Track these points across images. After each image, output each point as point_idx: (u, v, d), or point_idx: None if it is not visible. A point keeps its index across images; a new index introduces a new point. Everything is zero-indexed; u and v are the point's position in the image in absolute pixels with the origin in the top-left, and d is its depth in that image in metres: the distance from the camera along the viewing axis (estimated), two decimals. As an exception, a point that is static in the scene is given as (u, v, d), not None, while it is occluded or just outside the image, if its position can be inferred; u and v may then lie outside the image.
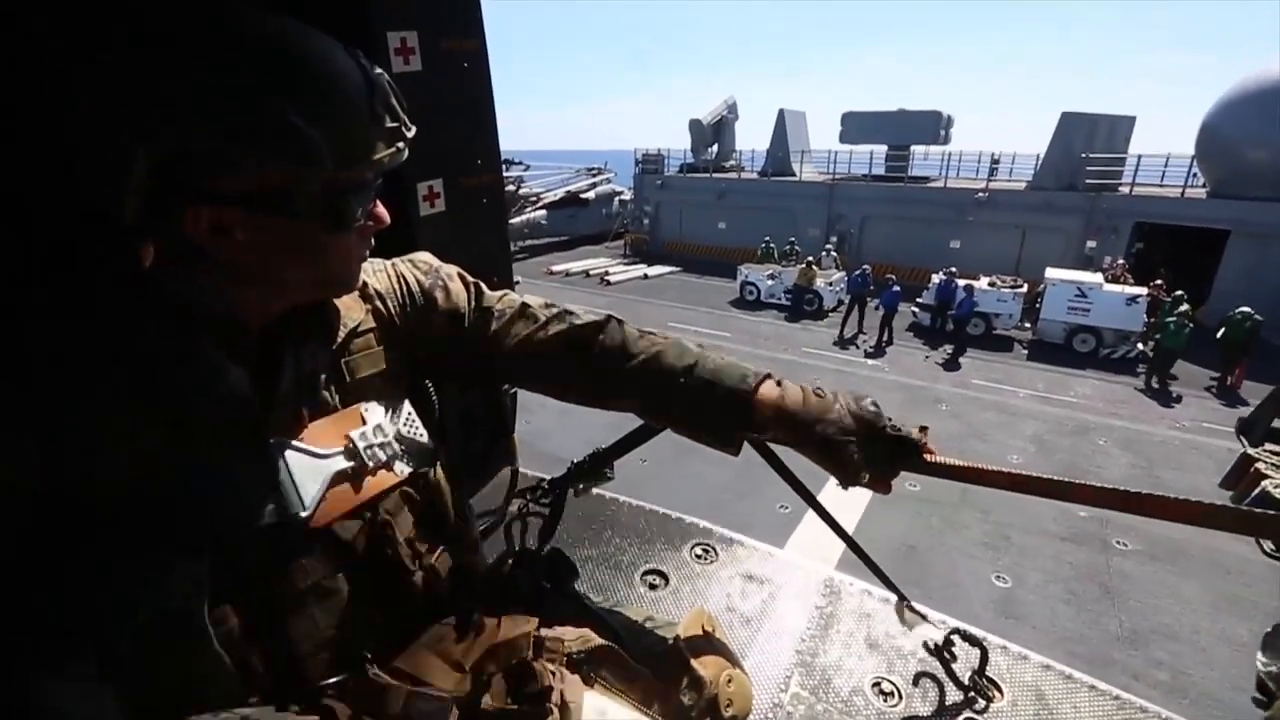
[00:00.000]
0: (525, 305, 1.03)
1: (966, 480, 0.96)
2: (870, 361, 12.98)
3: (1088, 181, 16.64)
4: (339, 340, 0.85)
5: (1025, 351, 13.75)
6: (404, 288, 0.97)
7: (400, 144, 0.73)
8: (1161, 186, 17.61)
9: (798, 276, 16.14)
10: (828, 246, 18.35)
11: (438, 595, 0.92)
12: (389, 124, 0.71)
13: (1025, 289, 14.41)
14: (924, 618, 1.54)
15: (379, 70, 0.72)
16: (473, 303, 1.01)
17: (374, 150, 0.70)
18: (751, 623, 1.76)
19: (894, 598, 1.63)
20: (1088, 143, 16.83)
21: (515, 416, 1.99)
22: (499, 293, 1.05)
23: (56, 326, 0.66)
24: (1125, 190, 16.90)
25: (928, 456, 0.95)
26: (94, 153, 0.62)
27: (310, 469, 0.78)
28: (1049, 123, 17.92)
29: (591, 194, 26.90)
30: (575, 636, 0.88)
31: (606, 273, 20.56)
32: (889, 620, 1.74)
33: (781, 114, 23.48)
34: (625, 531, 2.12)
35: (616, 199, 27.75)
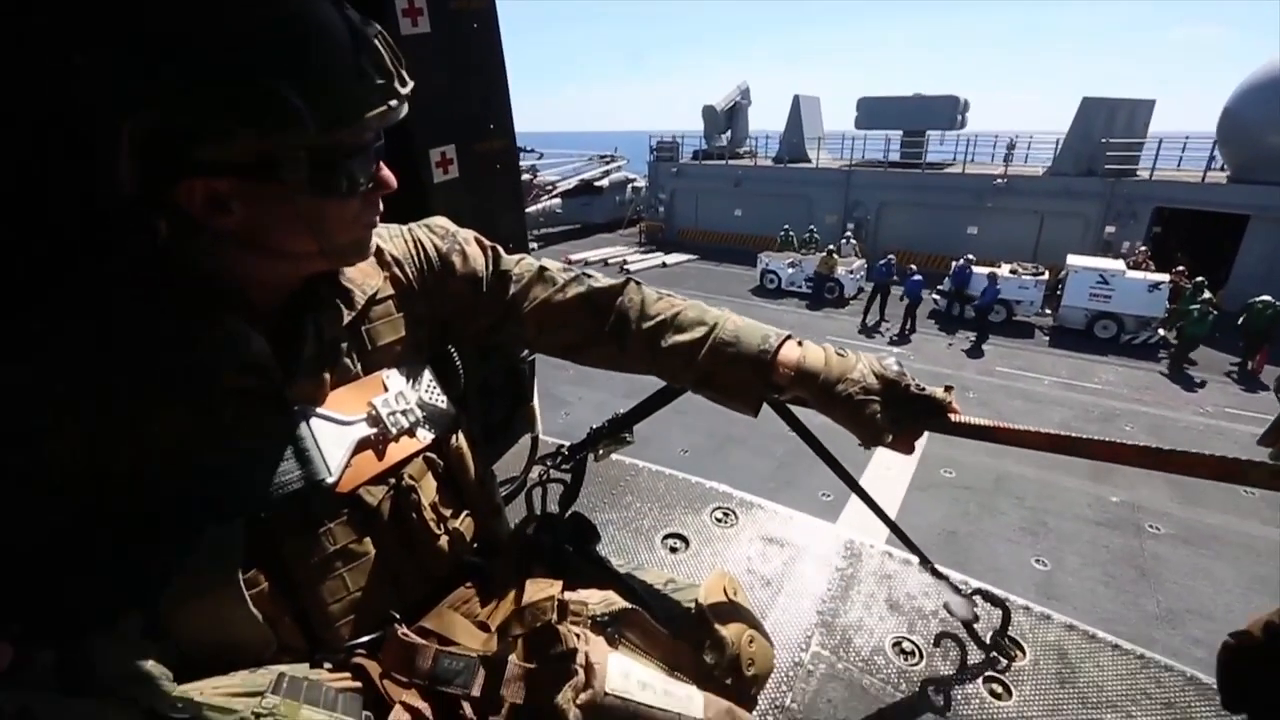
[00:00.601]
0: (543, 269, 1.02)
1: (992, 440, 0.95)
2: (895, 350, 13.18)
3: (1107, 167, 16.67)
4: (359, 307, 0.85)
5: (1046, 338, 13.92)
6: (421, 253, 0.96)
7: (393, 102, 0.70)
8: (1179, 171, 17.63)
9: (819, 265, 16.30)
10: (847, 234, 18.47)
11: (462, 558, 0.94)
12: (378, 81, 0.68)
13: (1046, 276, 14.55)
14: (946, 579, 1.54)
15: (374, 25, 0.69)
16: (490, 266, 1.00)
17: (361, 110, 0.67)
18: (772, 584, 1.77)
19: (915, 559, 1.62)
20: (1107, 128, 16.82)
21: (533, 383, 1.96)
22: (516, 256, 1.04)
23: (75, 309, 0.69)
24: (1145, 175, 16.91)
25: (952, 416, 0.94)
26: (87, 132, 0.63)
27: (335, 436, 0.79)
28: (1053, 102, 17.86)
29: (605, 182, 26.93)
30: (599, 599, 0.89)
31: (625, 261, 20.70)
32: (910, 581, 1.75)
33: (796, 100, 23.41)
34: (645, 495, 2.13)
35: (629, 186, 27.78)
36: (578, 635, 0.79)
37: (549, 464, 1.39)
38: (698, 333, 0.95)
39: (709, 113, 25.02)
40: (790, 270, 17.09)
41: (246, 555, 0.72)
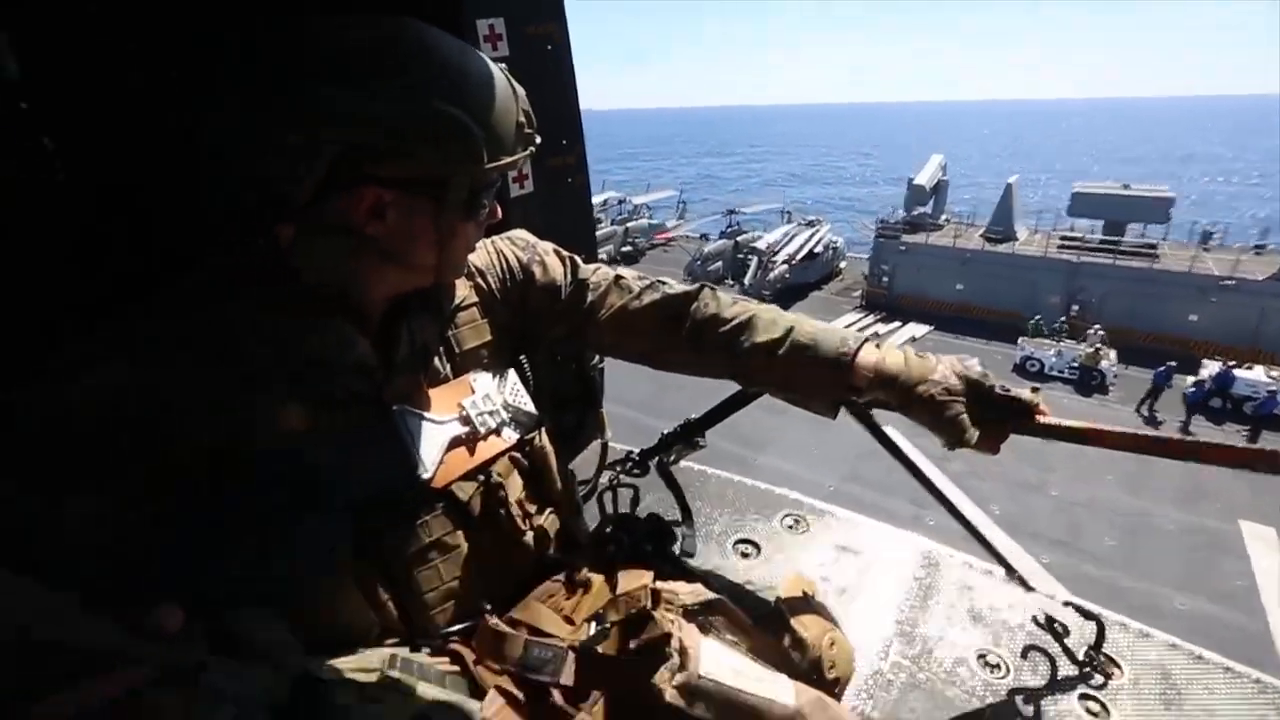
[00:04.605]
0: (619, 277, 1.09)
1: (1082, 441, 0.95)
2: (1185, 443, 16.82)
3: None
4: (446, 314, 0.95)
5: (1302, 432, 17.32)
6: (503, 263, 1.05)
7: (532, 147, 0.85)
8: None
9: (1085, 358, 19.92)
10: (1097, 326, 22.01)
11: (546, 554, 1.02)
12: (527, 130, 0.83)
13: (1304, 380, 17.96)
14: (1035, 590, 1.50)
15: (521, 89, 0.83)
16: (569, 276, 1.08)
17: (516, 150, 0.81)
18: (847, 592, 1.71)
19: (999, 570, 1.58)
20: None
21: (603, 388, 2.00)
22: (593, 266, 1.13)
23: (196, 307, 0.76)
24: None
25: (1040, 418, 0.95)
26: (282, 145, 0.71)
27: (430, 434, 0.87)
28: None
29: (820, 247, 30.97)
30: (689, 590, 0.93)
31: (876, 333, 24.63)
32: (993, 593, 1.66)
33: (1008, 187, 27.00)
34: (715, 501, 2.10)
35: (830, 248, 31.80)
36: (671, 621, 0.84)
37: (619, 469, 1.47)
38: (774, 334, 1.00)
39: (916, 189, 28.82)
40: (1055, 358, 20.75)
41: (353, 545, 0.79)
